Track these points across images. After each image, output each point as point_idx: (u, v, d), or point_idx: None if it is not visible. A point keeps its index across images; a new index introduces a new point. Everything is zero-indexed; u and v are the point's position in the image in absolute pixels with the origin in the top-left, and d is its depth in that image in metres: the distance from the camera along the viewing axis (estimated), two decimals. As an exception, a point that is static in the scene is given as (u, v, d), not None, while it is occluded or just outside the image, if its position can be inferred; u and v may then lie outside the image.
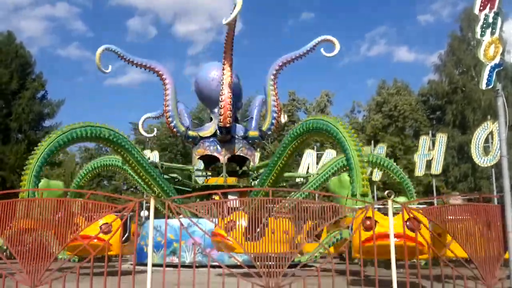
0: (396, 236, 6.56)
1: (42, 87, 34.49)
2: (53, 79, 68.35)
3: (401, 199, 12.09)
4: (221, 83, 13.73)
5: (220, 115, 14.10)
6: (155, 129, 29.53)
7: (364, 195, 9.32)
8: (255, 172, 16.41)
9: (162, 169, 15.47)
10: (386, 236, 6.59)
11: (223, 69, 13.59)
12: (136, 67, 15.05)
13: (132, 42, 71.56)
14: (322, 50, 15.13)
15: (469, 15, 34.73)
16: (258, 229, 6.61)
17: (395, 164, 16.72)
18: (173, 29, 76.23)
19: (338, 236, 9.60)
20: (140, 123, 16.32)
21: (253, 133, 15.58)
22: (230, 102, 13.89)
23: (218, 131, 14.93)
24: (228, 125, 14.29)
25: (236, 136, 15.33)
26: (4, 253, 8.18)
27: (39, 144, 11.88)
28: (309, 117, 12.75)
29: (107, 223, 7.76)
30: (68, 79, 71.44)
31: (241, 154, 15.41)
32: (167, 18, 78.43)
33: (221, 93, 13.84)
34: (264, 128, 15.61)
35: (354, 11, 71.35)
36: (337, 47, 14.92)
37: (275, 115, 15.28)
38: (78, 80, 74.05)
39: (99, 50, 14.42)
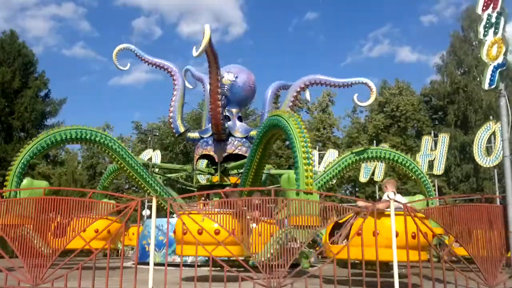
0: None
1: (45, 86, 34.60)
2: (59, 79, 68.72)
3: (419, 197, 12.01)
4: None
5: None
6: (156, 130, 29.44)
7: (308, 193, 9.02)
8: (235, 170, 16.26)
9: (153, 168, 15.49)
10: None
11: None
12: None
13: (137, 42, 71.87)
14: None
15: (471, 15, 34.75)
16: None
17: (411, 159, 15.14)
18: (178, 29, 76.36)
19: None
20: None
21: (254, 132, 15.59)
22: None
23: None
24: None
25: (236, 135, 15.37)
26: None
27: (24, 145, 12.12)
28: (270, 113, 12.35)
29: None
30: (73, 79, 71.70)
31: (240, 153, 15.36)
32: (172, 18, 78.57)
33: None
34: None
35: (357, 11, 71.37)
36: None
37: None
38: (82, 80, 74.24)
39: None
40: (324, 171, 15.20)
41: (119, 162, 13.43)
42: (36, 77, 34.17)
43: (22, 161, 11.70)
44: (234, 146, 15.32)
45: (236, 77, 16.09)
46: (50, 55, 69.54)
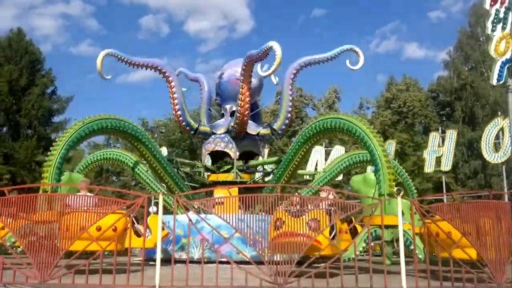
0: (301, 235, 6.85)
1: (52, 83, 34.73)
2: (67, 76, 68.88)
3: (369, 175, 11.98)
4: (240, 99, 13.86)
5: (236, 123, 14.55)
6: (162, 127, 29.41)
7: (390, 194, 9.21)
8: (262, 167, 16.39)
9: (176, 164, 15.46)
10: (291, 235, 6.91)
11: (243, 83, 13.65)
12: (138, 67, 14.78)
13: (145, 40, 71.95)
14: (347, 62, 15.04)
15: (478, 11, 34.51)
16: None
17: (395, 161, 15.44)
18: (185, 27, 76.36)
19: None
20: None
21: (264, 131, 15.58)
22: (248, 115, 14.28)
23: (232, 128, 15.08)
24: (242, 132, 14.95)
25: (248, 133, 15.36)
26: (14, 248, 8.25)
27: (60, 136, 11.68)
28: (328, 116, 12.37)
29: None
30: (81, 76, 71.87)
31: (253, 150, 15.46)
32: (179, 16, 78.56)
33: (240, 105, 13.98)
34: (276, 127, 15.49)
35: (364, 8, 71.05)
36: (361, 60, 14.72)
37: (289, 115, 15.19)
38: (90, 77, 74.46)
39: (100, 56, 14.17)
40: (324, 171, 15.30)
41: (147, 156, 13.64)
42: (43, 74, 34.31)
43: (62, 151, 11.13)
44: (249, 144, 15.42)
45: (222, 73, 16.17)
46: (58, 53, 69.77)
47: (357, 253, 7.38)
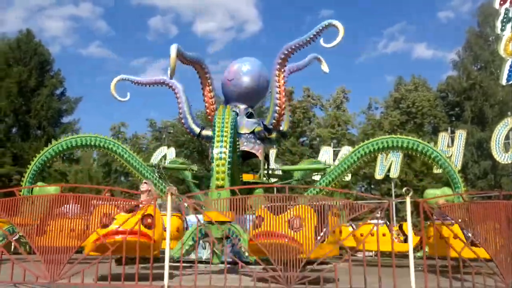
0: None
1: (60, 84, 34.97)
2: (76, 78, 69.19)
3: (445, 190, 12.07)
4: (278, 92, 14.39)
5: (275, 118, 14.86)
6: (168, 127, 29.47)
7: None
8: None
9: (160, 169, 15.96)
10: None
11: (277, 83, 14.34)
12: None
13: (153, 41, 72.16)
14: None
15: (487, 10, 34.27)
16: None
17: (433, 147, 14.18)
18: (194, 27, 76.46)
19: None
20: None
21: (259, 128, 15.37)
22: (284, 109, 14.87)
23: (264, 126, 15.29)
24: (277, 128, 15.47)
25: (239, 132, 15.26)
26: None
27: (40, 151, 14.48)
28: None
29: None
30: (89, 77, 72.19)
31: (251, 151, 15.20)
32: (187, 16, 78.69)
33: (277, 99, 14.47)
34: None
35: (372, 8, 70.79)
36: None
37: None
38: (98, 78, 74.73)
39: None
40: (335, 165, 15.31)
41: (125, 166, 15.07)
42: (52, 75, 34.53)
43: (33, 167, 13.90)
44: (245, 142, 15.20)
45: (227, 73, 16.26)
46: (67, 54, 70.05)
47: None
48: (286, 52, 14.44)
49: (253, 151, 15.21)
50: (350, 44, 68.97)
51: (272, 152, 18.69)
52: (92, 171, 38.59)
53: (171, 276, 6.25)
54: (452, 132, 24.20)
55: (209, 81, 15.12)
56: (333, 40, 14.04)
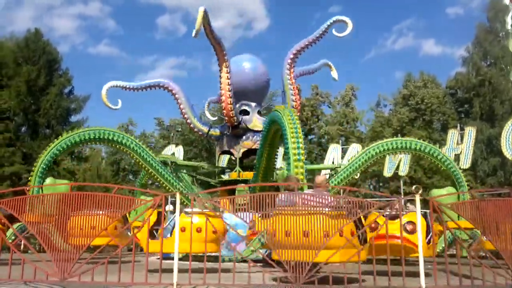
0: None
1: (69, 83, 35.18)
2: (84, 76, 69.51)
3: (449, 189, 12.02)
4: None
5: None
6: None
7: None
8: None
9: (174, 165, 15.51)
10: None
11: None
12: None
13: (162, 40, 72.41)
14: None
15: (496, 5, 33.97)
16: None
17: (440, 150, 14.72)
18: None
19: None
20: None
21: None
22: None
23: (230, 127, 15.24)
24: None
25: (249, 129, 15.31)
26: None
27: (49, 144, 12.93)
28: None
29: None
30: (98, 76, 72.47)
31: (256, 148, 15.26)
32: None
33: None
34: None
35: (381, 4, 70.50)
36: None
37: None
38: (107, 77, 75.08)
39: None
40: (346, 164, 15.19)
41: (137, 160, 13.71)
42: (60, 74, 34.73)
43: (43, 161, 12.43)
44: (253, 140, 15.23)
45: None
46: (75, 53, 70.47)
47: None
48: (295, 52, 15.06)
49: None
50: (359, 40, 68.77)
51: (280, 150, 18.53)
52: (101, 170, 38.79)
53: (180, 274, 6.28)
54: (462, 129, 24.09)
55: (226, 63, 14.34)
56: (343, 31, 14.94)
